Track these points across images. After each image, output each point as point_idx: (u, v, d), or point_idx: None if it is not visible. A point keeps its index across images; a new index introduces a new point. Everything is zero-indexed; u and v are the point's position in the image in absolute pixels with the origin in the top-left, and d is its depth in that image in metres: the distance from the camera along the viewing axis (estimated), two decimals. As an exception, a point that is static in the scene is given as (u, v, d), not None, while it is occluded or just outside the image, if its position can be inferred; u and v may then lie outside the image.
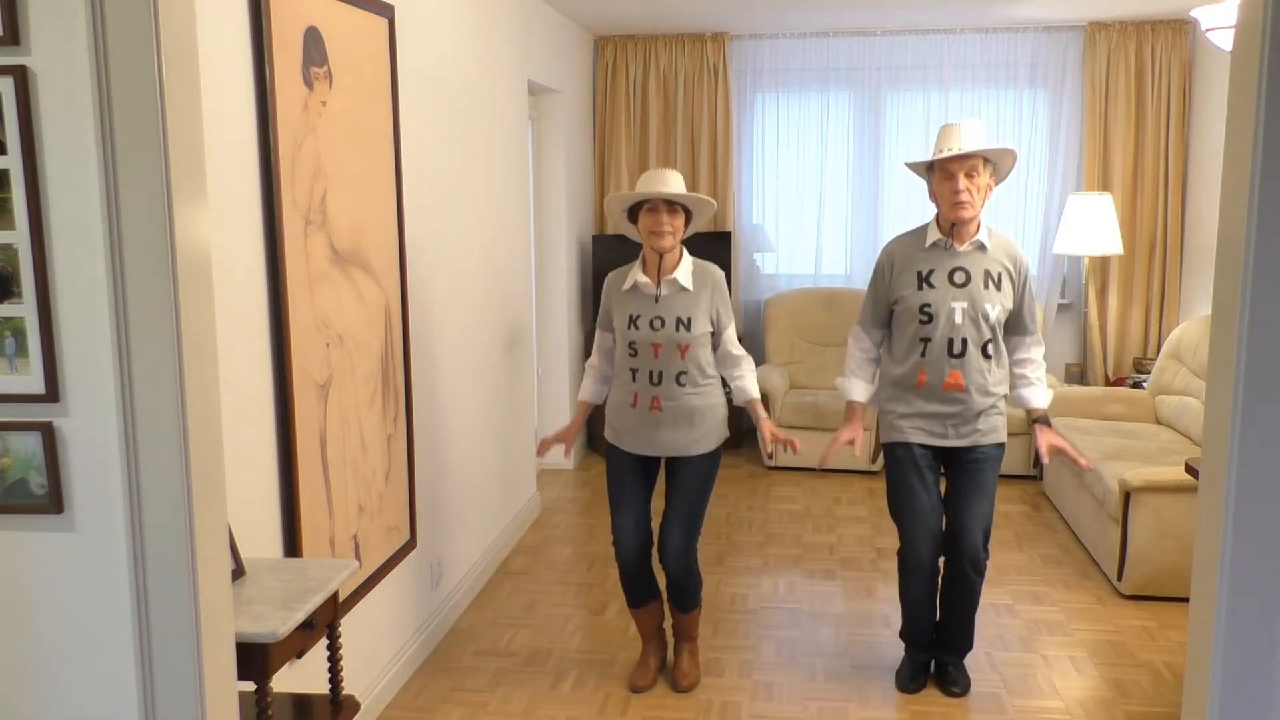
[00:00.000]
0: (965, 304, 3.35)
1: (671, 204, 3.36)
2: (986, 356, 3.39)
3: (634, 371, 3.45)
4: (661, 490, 3.59)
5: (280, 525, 2.86)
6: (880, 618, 4.22)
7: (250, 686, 2.19)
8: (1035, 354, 3.53)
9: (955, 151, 3.27)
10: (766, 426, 3.53)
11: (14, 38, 1.77)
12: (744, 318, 6.87)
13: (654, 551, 3.59)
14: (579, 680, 3.73)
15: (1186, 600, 3.94)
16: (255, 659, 2.13)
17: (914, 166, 3.53)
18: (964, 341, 3.36)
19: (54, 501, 1.87)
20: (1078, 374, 6.54)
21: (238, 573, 2.35)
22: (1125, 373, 6.48)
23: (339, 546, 3.17)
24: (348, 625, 3.22)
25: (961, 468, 3.48)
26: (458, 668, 3.83)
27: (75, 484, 1.87)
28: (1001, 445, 3.52)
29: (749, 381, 3.53)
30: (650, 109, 6.75)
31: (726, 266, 6.58)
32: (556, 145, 6.11)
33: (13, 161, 1.79)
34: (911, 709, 3.51)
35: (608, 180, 6.83)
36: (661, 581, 3.68)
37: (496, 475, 4.84)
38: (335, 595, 2.43)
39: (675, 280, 3.41)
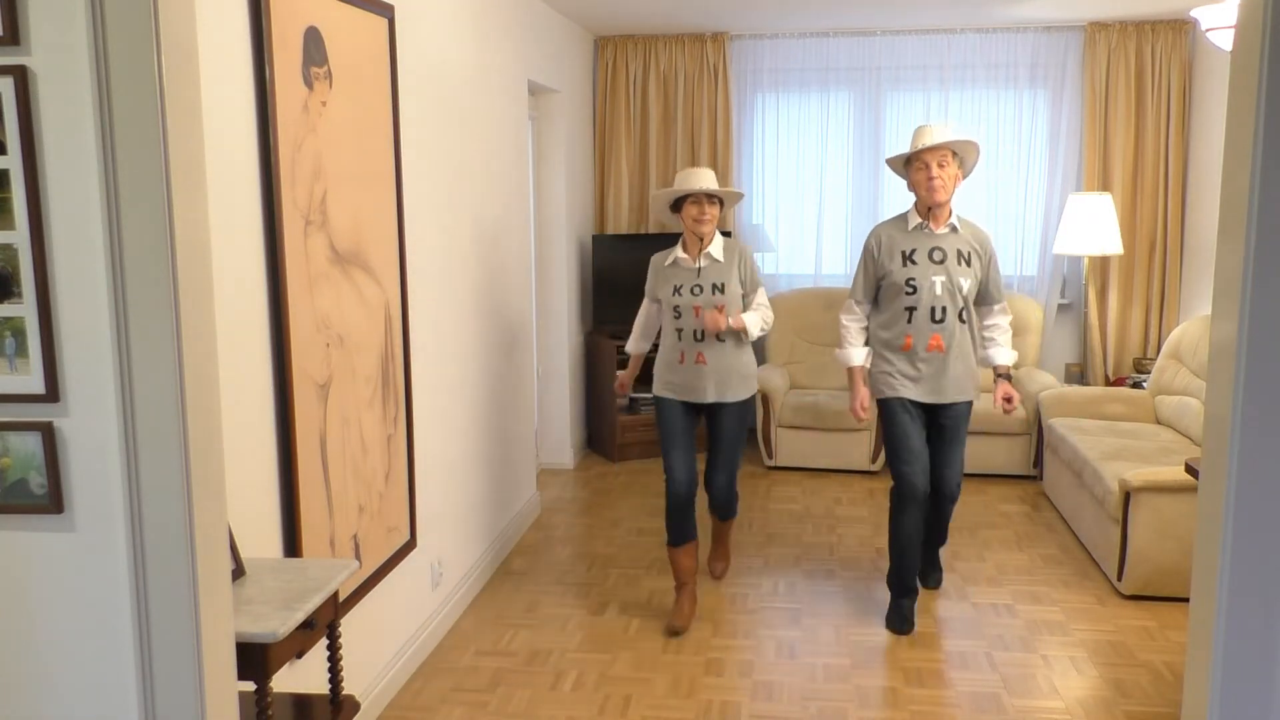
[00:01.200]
0: (943, 278, 3.94)
1: (710, 195, 4.04)
2: (961, 322, 3.99)
3: (679, 332, 4.10)
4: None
5: (280, 525, 2.86)
6: (880, 617, 4.22)
7: (250, 686, 2.19)
8: (1002, 321, 4.15)
9: (928, 144, 3.88)
10: (720, 319, 4.02)
11: (14, 38, 1.77)
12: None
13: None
14: (579, 680, 3.73)
15: (1186, 600, 3.94)
16: (255, 659, 2.13)
17: (893, 163, 4.09)
18: (943, 310, 3.95)
19: (54, 501, 1.87)
20: (1078, 374, 6.54)
21: (238, 573, 2.35)
22: (1125, 373, 6.48)
23: (339, 546, 3.17)
24: (348, 625, 3.22)
25: (940, 422, 4.10)
26: (458, 668, 3.83)
27: (75, 484, 1.87)
28: (970, 402, 4.12)
29: (750, 315, 4.10)
30: (650, 109, 6.75)
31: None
32: (556, 145, 6.11)
33: (13, 161, 1.79)
34: (911, 709, 3.51)
35: (608, 180, 6.84)
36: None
37: (496, 475, 4.84)
38: (335, 595, 2.43)
39: (710, 254, 4.10)
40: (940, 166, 3.89)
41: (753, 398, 4.22)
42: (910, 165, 3.97)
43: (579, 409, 6.59)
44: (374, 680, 3.46)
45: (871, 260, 4.07)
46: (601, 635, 4.08)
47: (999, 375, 4.15)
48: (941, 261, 3.95)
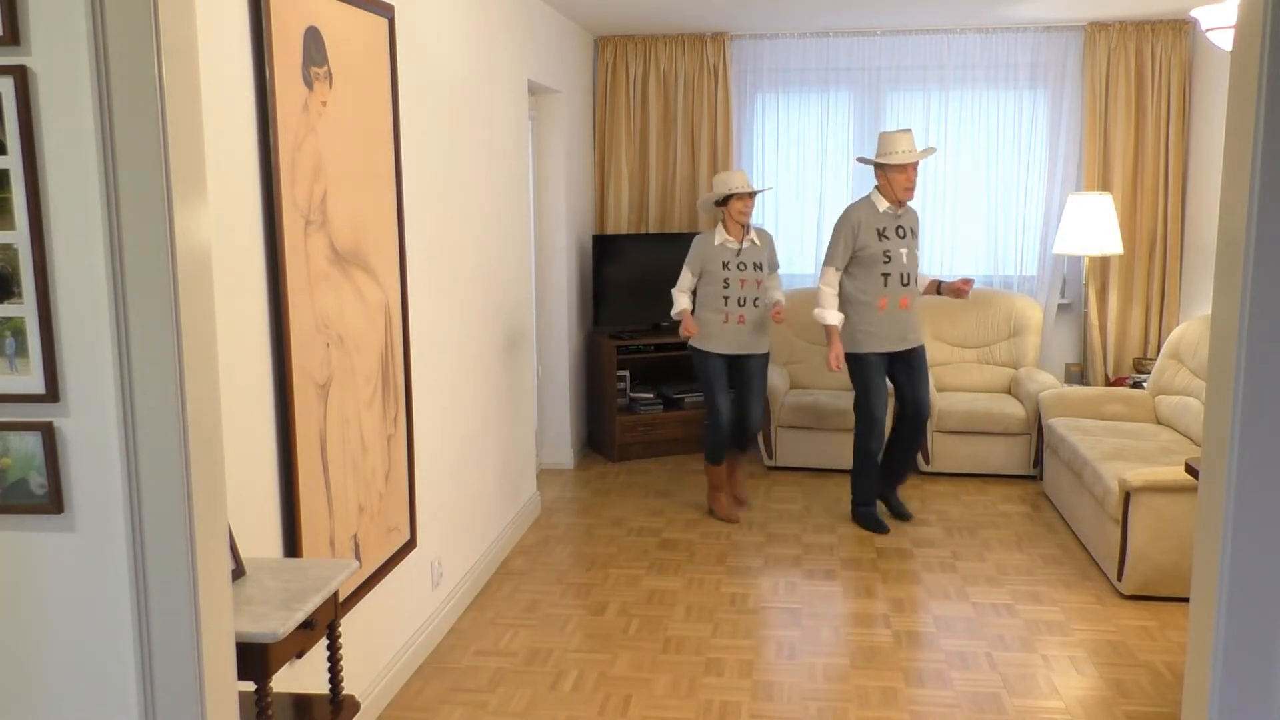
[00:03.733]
0: (907, 250, 5.04)
1: (752, 193, 5.22)
2: (915, 284, 5.09)
3: (726, 298, 5.22)
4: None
5: (280, 525, 2.86)
6: (880, 618, 4.22)
7: (250, 686, 2.19)
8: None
9: (913, 158, 4.94)
10: (781, 312, 5.16)
11: (14, 38, 1.77)
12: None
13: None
14: (579, 680, 3.73)
15: (1186, 600, 3.94)
16: (255, 659, 2.13)
17: (865, 160, 5.15)
18: (908, 275, 5.04)
19: (54, 501, 1.87)
20: (1078, 374, 6.54)
21: (238, 573, 2.35)
22: (1125, 373, 6.48)
23: (339, 546, 3.17)
24: (348, 625, 3.22)
25: (904, 363, 5.14)
26: (458, 668, 3.84)
27: (75, 484, 1.87)
28: (923, 346, 5.20)
29: (776, 293, 5.26)
30: (650, 109, 6.75)
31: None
32: (556, 145, 6.11)
33: (13, 161, 1.79)
34: (911, 709, 3.51)
35: (608, 180, 6.83)
36: None
37: (496, 475, 4.84)
38: (335, 595, 2.43)
39: (751, 239, 5.25)
40: (914, 170, 5.00)
41: (769, 351, 5.39)
42: (889, 167, 4.97)
43: (579, 409, 6.59)
44: (374, 680, 3.46)
45: (851, 236, 5.03)
46: (601, 635, 4.09)
47: (940, 283, 5.23)
48: (905, 237, 5.04)
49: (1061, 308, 6.72)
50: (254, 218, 2.68)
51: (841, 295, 5.13)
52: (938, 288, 5.22)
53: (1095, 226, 6.01)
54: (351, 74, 3.19)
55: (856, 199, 6.65)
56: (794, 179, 6.82)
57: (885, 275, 4.99)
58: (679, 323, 5.27)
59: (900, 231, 5.02)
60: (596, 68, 6.81)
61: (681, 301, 5.32)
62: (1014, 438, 6.01)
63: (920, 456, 6.10)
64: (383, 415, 3.48)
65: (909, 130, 5.05)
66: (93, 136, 1.78)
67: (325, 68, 3.02)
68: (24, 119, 1.78)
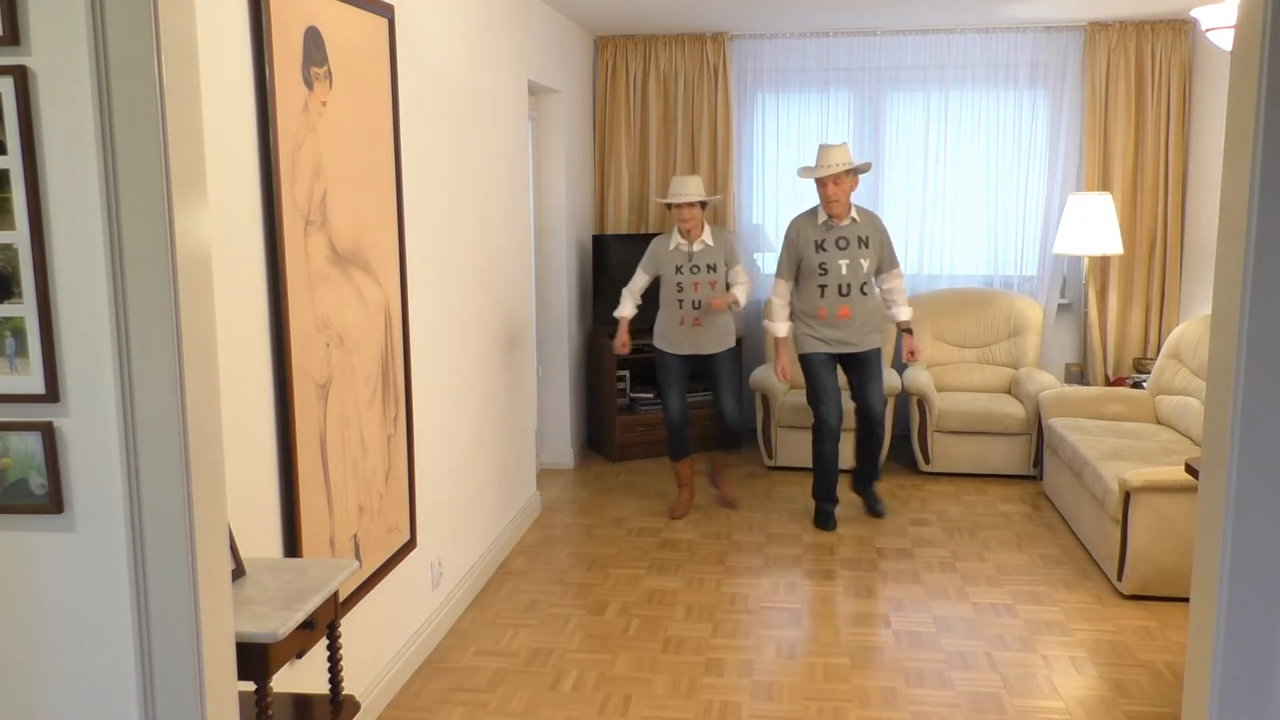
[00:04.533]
0: (847, 261, 5.07)
1: (691, 203, 5.18)
2: (863, 293, 5.10)
3: (680, 301, 5.25)
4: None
5: (280, 525, 2.86)
6: (880, 618, 4.22)
7: (250, 686, 2.19)
8: (898, 284, 5.24)
9: (826, 171, 4.98)
10: (723, 301, 5.22)
11: (14, 38, 1.77)
12: (744, 318, 6.87)
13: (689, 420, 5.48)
14: (579, 680, 3.73)
15: (1186, 600, 3.94)
16: (255, 659, 2.13)
17: (804, 173, 5.14)
18: (849, 285, 5.08)
19: (54, 501, 1.87)
20: (1078, 374, 6.54)
21: (238, 573, 2.35)
22: (1125, 373, 6.48)
23: (339, 546, 3.17)
24: (348, 625, 3.22)
25: (856, 365, 5.21)
26: (458, 668, 3.84)
27: (75, 484, 1.87)
28: (879, 349, 5.25)
29: (739, 290, 5.24)
30: (650, 109, 6.75)
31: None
32: (556, 145, 6.11)
33: (13, 161, 1.79)
34: (911, 709, 3.51)
35: (608, 180, 6.83)
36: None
37: (496, 475, 4.84)
38: (335, 595, 2.43)
39: (703, 240, 5.25)
40: (836, 184, 4.98)
41: (735, 347, 5.43)
42: (816, 180, 5.05)
43: (579, 409, 6.59)
44: (374, 680, 3.46)
45: (793, 249, 5.16)
46: (601, 635, 4.09)
47: (902, 330, 5.26)
48: (845, 248, 5.07)
49: (1061, 308, 6.72)
50: (254, 218, 2.68)
51: (791, 303, 5.28)
52: (900, 329, 5.29)
53: (1095, 226, 6.01)
54: (351, 74, 3.19)
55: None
56: (793, 179, 6.81)
57: (822, 286, 5.08)
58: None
59: (841, 243, 5.05)
60: (596, 68, 6.81)
61: (624, 307, 5.38)
62: (1014, 438, 6.01)
63: (920, 456, 6.11)
64: (383, 415, 3.49)
65: (843, 144, 5.05)
66: (93, 136, 1.77)
67: (325, 68, 3.02)
68: (24, 119, 1.78)
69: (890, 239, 5.25)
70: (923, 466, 6.13)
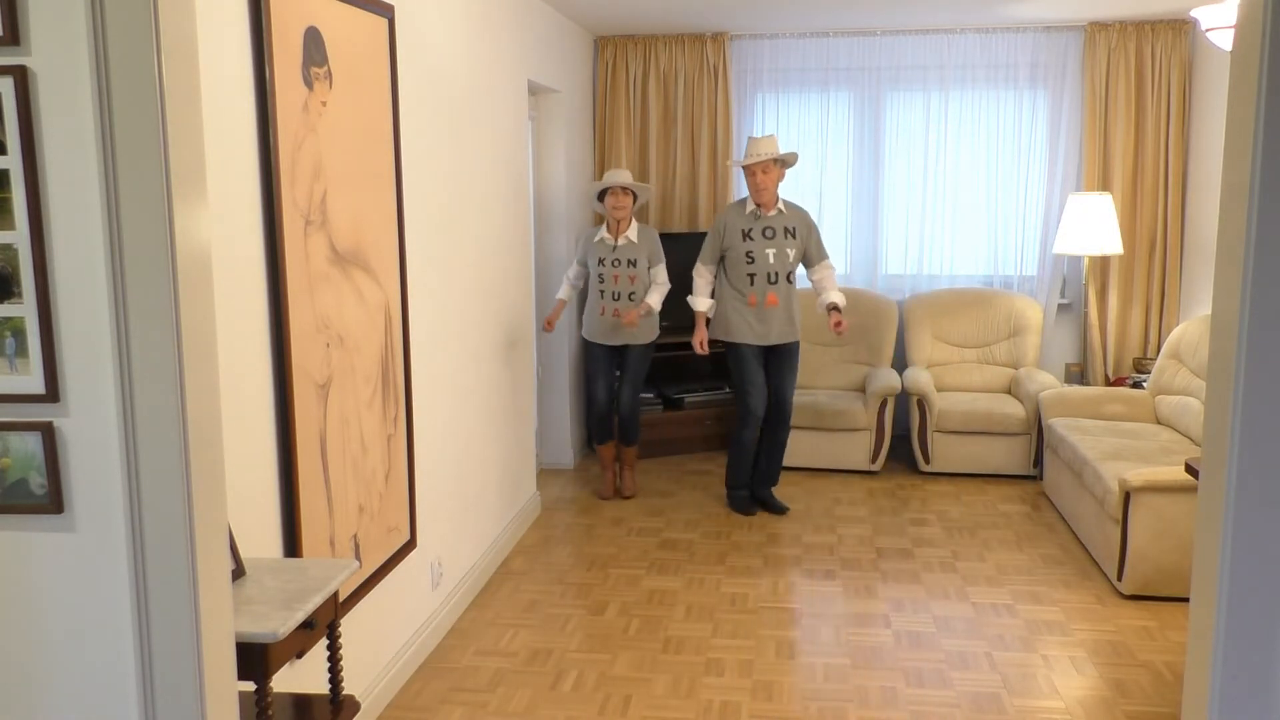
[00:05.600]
0: (774, 250, 5.24)
1: (625, 188, 5.41)
2: (789, 282, 5.29)
3: (602, 293, 5.50)
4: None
5: (280, 525, 2.86)
6: (880, 618, 4.22)
7: (250, 686, 2.19)
8: (827, 272, 5.39)
9: (754, 160, 5.15)
10: (634, 315, 5.42)
11: (14, 38, 1.77)
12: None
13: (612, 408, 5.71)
14: (579, 680, 3.73)
15: (1186, 600, 3.94)
16: (255, 659, 2.13)
17: (735, 164, 5.55)
18: (775, 274, 5.24)
19: (54, 501, 1.87)
20: (1078, 374, 6.53)
21: (238, 573, 2.35)
22: (1125, 373, 6.48)
23: (339, 546, 3.17)
24: (348, 625, 3.22)
25: (776, 357, 5.39)
26: (458, 668, 3.84)
27: (75, 484, 1.87)
28: (798, 342, 5.43)
29: (653, 295, 5.49)
30: (650, 109, 6.75)
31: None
32: (556, 145, 6.11)
33: (13, 161, 1.79)
34: (911, 709, 3.51)
35: (608, 180, 6.83)
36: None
37: (496, 475, 4.84)
38: (335, 595, 2.43)
39: (628, 236, 5.46)
40: (764, 173, 5.15)
41: (654, 341, 5.65)
42: (745, 170, 5.22)
43: (579, 409, 6.59)
44: (374, 680, 3.46)
45: (718, 237, 5.33)
46: (601, 635, 4.09)
47: (830, 308, 5.29)
48: (772, 238, 5.24)
49: (1061, 308, 6.72)
50: (254, 218, 2.68)
51: (719, 288, 5.41)
52: (829, 308, 5.30)
53: (1095, 226, 6.01)
54: (351, 74, 3.19)
55: (850, 204, 6.75)
56: (793, 179, 6.79)
57: (751, 275, 5.24)
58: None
59: (768, 232, 5.22)
60: (596, 68, 6.81)
61: (561, 290, 5.72)
62: (1014, 438, 6.01)
63: (920, 456, 6.11)
64: (383, 415, 3.48)
65: (772, 136, 5.22)
66: (93, 136, 1.77)
67: (325, 68, 3.02)
68: (24, 119, 1.78)
69: (819, 234, 5.42)
70: (923, 466, 6.13)
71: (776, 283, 5.22)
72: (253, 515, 2.71)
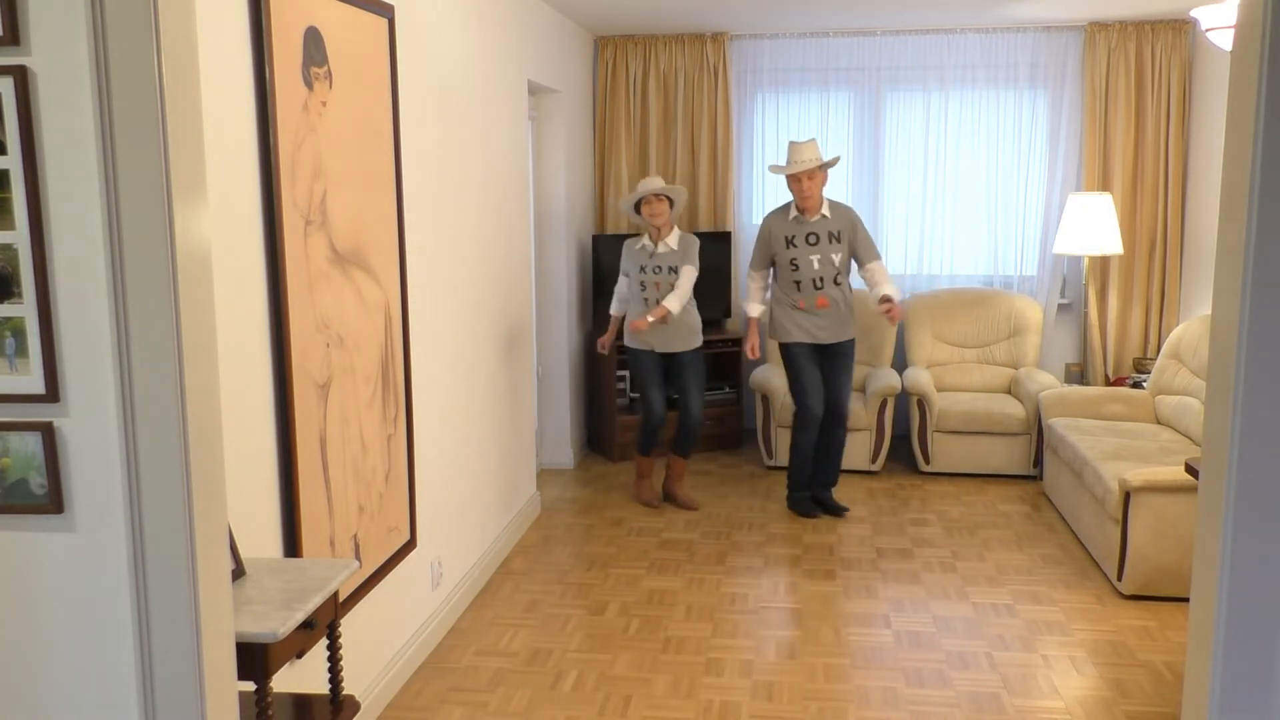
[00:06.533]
0: (818, 256, 5.19)
1: (659, 195, 5.30)
2: (836, 284, 5.22)
3: (645, 300, 5.39)
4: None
5: (280, 525, 2.86)
6: (880, 618, 4.22)
7: (250, 686, 2.19)
8: (877, 268, 5.27)
9: (800, 167, 5.07)
10: (644, 322, 5.27)
11: (14, 38, 1.77)
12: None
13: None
14: (579, 680, 3.73)
15: (1186, 600, 3.94)
16: (255, 659, 2.13)
17: (775, 170, 5.25)
18: (821, 279, 5.20)
19: (54, 501, 1.87)
20: (1078, 374, 6.54)
21: (238, 573, 2.35)
22: (1125, 373, 6.48)
23: (339, 546, 3.17)
24: (348, 625, 3.22)
25: (831, 357, 5.34)
26: (458, 668, 3.84)
27: (75, 484, 1.87)
28: (853, 340, 5.38)
29: (671, 299, 5.26)
30: (650, 109, 6.75)
31: (726, 265, 6.63)
32: (556, 145, 6.11)
33: (13, 161, 1.79)
34: (911, 709, 3.51)
35: (608, 180, 6.83)
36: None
37: (496, 475, 4.84)
38: (335, 595, 2.43)
39: (668, 243, 5.37)
40: (809, 179, 5.08)
41: (701, 347, 5.53)
42: (787, 177, 5.13)
43: (579, 409, 6.59)
44: (374, 680, 3.46)
45: (765, 244, 5.31)
46: (601, 635, 4.09)
47: (883, 299, 5.16)
48: (815, 243, 5.18)
49: (1061, 308, 6.72)
50: (254, 218, 2.68)
51: (773, 290, 5.38)
52: (880, 301, 5.20)
53: (1095, 226, 6.01)
54: (351, 74, 3.19)
55: (855, 203, 6.75)
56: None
57: (797, 282, 5.21)
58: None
59: (811, 238, 5.16)
60: (596, 68, 6.81)
61: (614, 306, 5.65)
62: (1014, 438, 6.01)
63: (920, 456, 6.11)
64: (383, 415, 3.49)
65: (813, 140, 5.13)
66: (93, 136, 1.77)
67: (325, 68, 3.02)
68: (24, 119, 1.78)
69: (867, 232, 5.29)
70: (923, 466, 6.13)
71: (823, 287, 5.17)
72: (253, 515, 2.71)
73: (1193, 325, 5.42)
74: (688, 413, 5.45)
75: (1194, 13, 5.06)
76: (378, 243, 3.41)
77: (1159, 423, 5.57)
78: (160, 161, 1.77)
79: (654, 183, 5.34)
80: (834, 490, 5.59)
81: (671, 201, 5.36)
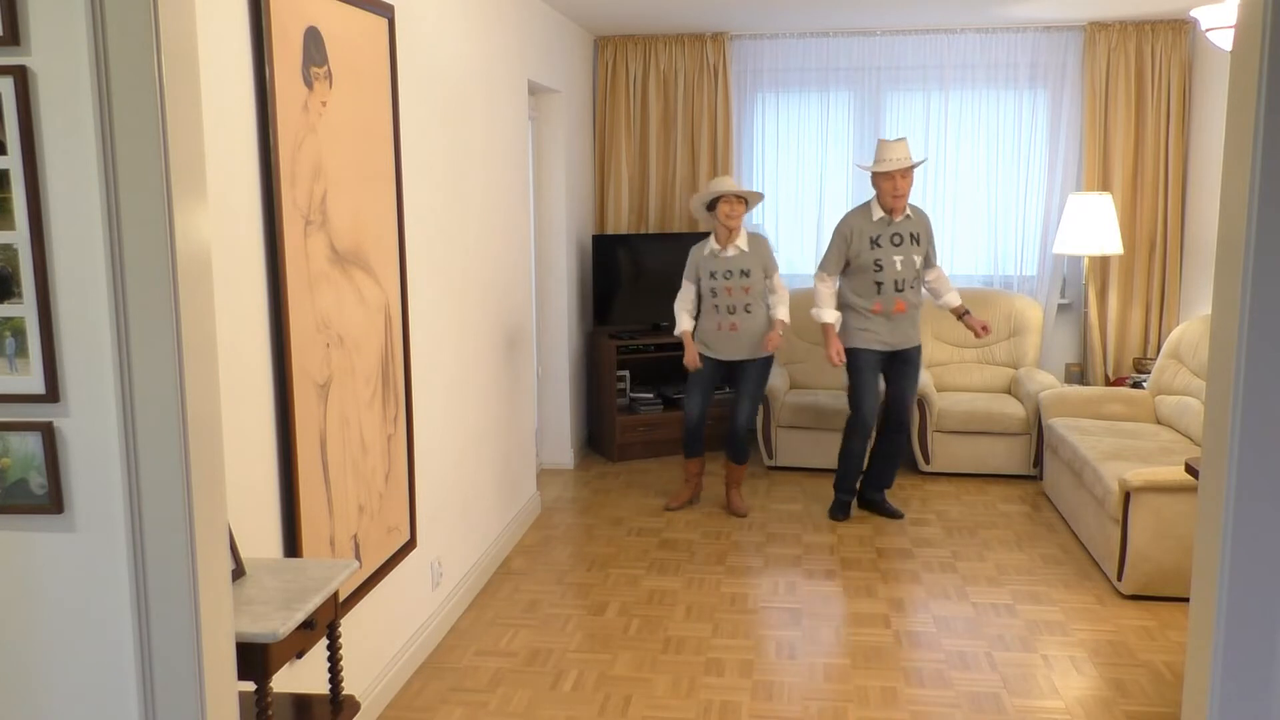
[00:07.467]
0: (901, 257, 5.07)
1: (738, 195, 5.16)
2: (913, 288, 5.14)
3: (716, 307, 5.28)
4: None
5: (280, 525, 2.86)
6: (880, 618, 4.22)
7: (250, 686, 2.19)
8: (940, 274, 5.32)
9: (897, 165, 4.96)
10: (773, 342, 5.21)
11: (14, 38, 1.77)
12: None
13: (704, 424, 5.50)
14: (579, 680, 3.73)
15: (1186, 600, 3.94)
16: (255, 659, 2.13)
17: (866, 168, 5.15)
18: (903, 281, 5.09)
19: (54, 501, 1.87)
20: (1078, 374, 6.54)
21: (238, 573, 2.35)
22: (1125, 373, 6.48)
23: (339, 546, 3.17)
24: (348, 625, 3.22)
25: (900, 363, 5.23)
26: (458, 668, 3.84)
27: (75, 484, 1.87)
28: (919, 346, 5.28)
29: (780, 309, 5.25)
30: (650, 109, 6.75)
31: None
32: (556, 145, 6.11)
33: (13, 161, 1.79)
34: (911, 709, 3.51)
35: (608, 180, 6.83)
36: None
37: (496, 475, 4.84)
38: (335, 595, 2.43)
39: (738, 245, 5.22)
40: (903, 179, 5.00)
41: (769, 356, 5.36)
42: (879, 175, 5.02)
43: (579, 409, 6.60)
44: (374, 680, 3.46)
45: (845, 244, 5.12)
46: (601, 635, 4.09)
47: (962, 313, 5.23)
48: (900, 245, 5.08)
49: (1061, 308, 6.72)
50: (254, 218, 2.68)
51: (841, 295, 5.22)
52: (960, 315, 5.22)
53: (1095, 226, 6.01)
54: (351, 74, 3.19)
55: (856, 205, 6.73)
56: (793, 179, 6.81)
57: (878, 284, 5.07)
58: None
59: (896, 239, 5.06)
60: (596, 68, 6.81)
61: (682, 322, 5.38)
62: (1014, 438, 6.01)
63: (920, 456, 6.11)
64: (383, 415, 3.49)
65: (903, 139, 5.05)
66: (93, 136, 1.78)
67: (325, 68, 3.02)
68: (24, 119, 1.78)
69: (933, 236, 5.27)
70: (923, 466, 6.13)
71: (903, 290, 5.07)
72: (253, 515, 2.71)
73: (1193, 325, 5.42)
74: (735, 418, 5.38)
75: (1194, 13, 5.06)
76: (378, 243, 3.41)
77: (1159, 423, 5.57)
78: (160, 161, 1.77)
79: (729, 182, 5.22)
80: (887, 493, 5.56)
81: (747, 202, 5.23)
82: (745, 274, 5.18)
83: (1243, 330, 1.79)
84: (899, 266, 5.05)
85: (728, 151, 6.69)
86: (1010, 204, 6.60)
